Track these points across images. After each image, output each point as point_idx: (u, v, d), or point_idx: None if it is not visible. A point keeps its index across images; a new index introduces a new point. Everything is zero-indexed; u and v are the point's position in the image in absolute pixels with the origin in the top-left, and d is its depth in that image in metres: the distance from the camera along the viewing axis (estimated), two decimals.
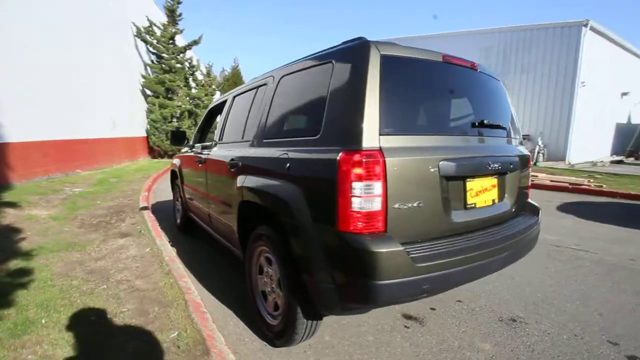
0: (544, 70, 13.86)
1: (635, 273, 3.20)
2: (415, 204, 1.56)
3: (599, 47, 14.00)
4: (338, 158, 1.50)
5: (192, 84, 15.97)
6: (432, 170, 1.62)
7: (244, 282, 3.02)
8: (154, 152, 13.52)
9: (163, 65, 13.09)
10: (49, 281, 2.74)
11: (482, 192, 1.87)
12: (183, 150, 4.34)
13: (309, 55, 2.07)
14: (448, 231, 1.70)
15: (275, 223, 1.99)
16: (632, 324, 2.34)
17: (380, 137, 1.52)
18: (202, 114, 18.59)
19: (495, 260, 1.80)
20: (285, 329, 1.93)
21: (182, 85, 13.70)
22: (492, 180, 1.94)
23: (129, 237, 4.06)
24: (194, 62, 15.74)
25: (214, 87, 21.72)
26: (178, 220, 4.57)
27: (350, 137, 1.52)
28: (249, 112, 2.53)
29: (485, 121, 1.87)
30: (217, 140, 3.04)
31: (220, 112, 3.38)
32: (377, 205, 1.47)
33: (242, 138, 2.51)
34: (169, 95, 13.40)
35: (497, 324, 2.36)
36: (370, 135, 1.50)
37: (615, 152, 16.03)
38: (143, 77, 12.59)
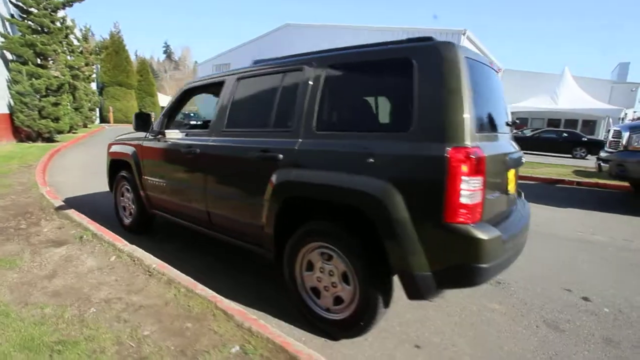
0: None
1: (543, 236, 4.23)
2: (497, 194, 1.79)
3: None
4: (447, 154, 1.60)
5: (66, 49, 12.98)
6: (502, 163, 1.87)
7: (257, 279, 2.85)
8: (21, 133, 10.64)
9: (31, 24, 10.21)
10: (12, 314, 2.05)
11: (511, 181, 2.24)
12: (134, 136, 3.66)
13: (364, 48, 2.05)
14: (505, 215, 2.01)
15: (341, 217, 1.97)
16: (571, 273, 3.16)
17: (476, 134, 1.68)
18: (85, 88, 15.39)
19: (525, 237, 2.20)
20: (357, 321, 1.96)
21: (59, 51, 11.00)
22: (514, 171, 2.33)
23: (69, 245, 3.27)
24: (69, 23, 12.77)
25: (94, 55, 18.13)
26: (127, 221, 3.86)
27: (453, 134, 1.63)
28: (278, 99, 2.34)
29: (516, 121, 2.22)
30: (217, 127, 2.69)
31: (203, 94, 2.96)
32: (478, 197, 1.64)
33: (274, 128, 2.31)
34: (40, 62, 10.60)
35: (490, 287, 2.87)
36: (471, 133, 1.65)
37: None
38: (2, 35, 9.59)
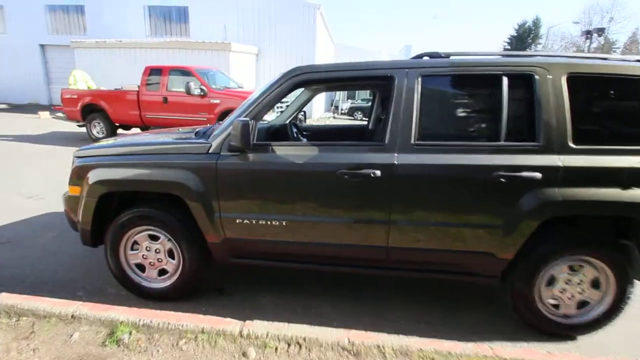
0: (292, 39, 16.31)
1: None
2: None
3: (321, 26, 18.11)
4: None
5: None
6: None
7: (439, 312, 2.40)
8: None
9: None
10: None
11: None
12: (166, 150, 2.28)
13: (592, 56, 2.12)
14: None
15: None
16: None
17: None
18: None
19: None
20: (607, 319, 2.16)
21: None
22: None
23: (121, 357, 1.82)
24: None
25: None
26: (161, 284, 2.40)
27: None
28: (506, 107, 1.99)
29: None
30: (399, 139, 2.04)
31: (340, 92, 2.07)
32: None
33: (510, 141, 2.00)
34: None
35: None
36: None
37: (326, 109, 22.09)
38: None
